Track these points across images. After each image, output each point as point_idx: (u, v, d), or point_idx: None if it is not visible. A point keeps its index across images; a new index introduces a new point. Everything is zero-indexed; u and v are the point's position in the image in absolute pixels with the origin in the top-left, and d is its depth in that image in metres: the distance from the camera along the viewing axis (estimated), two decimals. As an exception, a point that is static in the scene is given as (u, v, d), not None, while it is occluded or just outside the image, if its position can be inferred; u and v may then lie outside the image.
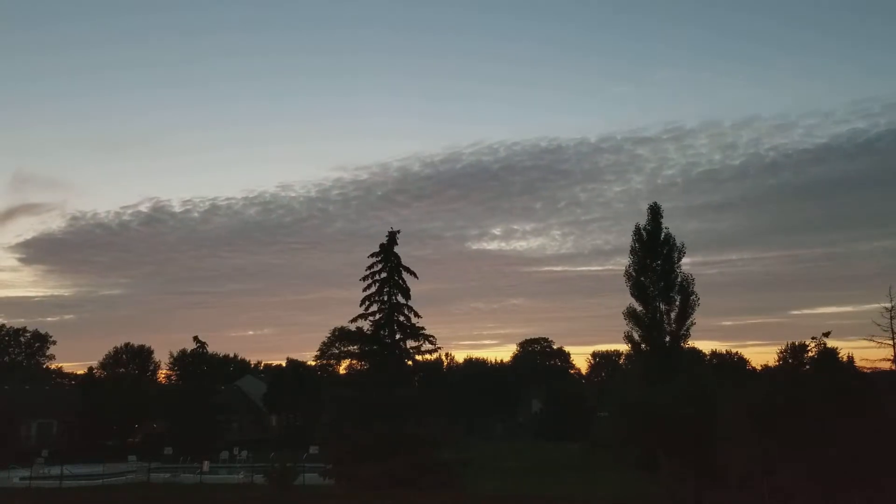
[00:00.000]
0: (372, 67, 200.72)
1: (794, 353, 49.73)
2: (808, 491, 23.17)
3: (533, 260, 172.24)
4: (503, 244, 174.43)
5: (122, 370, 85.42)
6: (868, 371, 26.26)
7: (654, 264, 43.47)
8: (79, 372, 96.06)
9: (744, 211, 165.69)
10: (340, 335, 75.76)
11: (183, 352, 66.96)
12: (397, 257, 38.26)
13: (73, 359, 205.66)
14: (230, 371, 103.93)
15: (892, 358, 24.66)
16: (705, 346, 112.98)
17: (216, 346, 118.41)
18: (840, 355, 27.64)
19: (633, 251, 44.19)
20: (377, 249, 38.23)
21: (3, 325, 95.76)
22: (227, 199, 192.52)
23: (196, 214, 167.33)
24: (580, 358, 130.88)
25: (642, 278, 43.32)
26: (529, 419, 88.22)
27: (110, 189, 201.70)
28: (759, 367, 74.85)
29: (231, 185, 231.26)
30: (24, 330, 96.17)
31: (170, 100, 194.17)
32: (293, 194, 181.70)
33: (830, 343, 27.08)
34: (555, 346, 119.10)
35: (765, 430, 24.32)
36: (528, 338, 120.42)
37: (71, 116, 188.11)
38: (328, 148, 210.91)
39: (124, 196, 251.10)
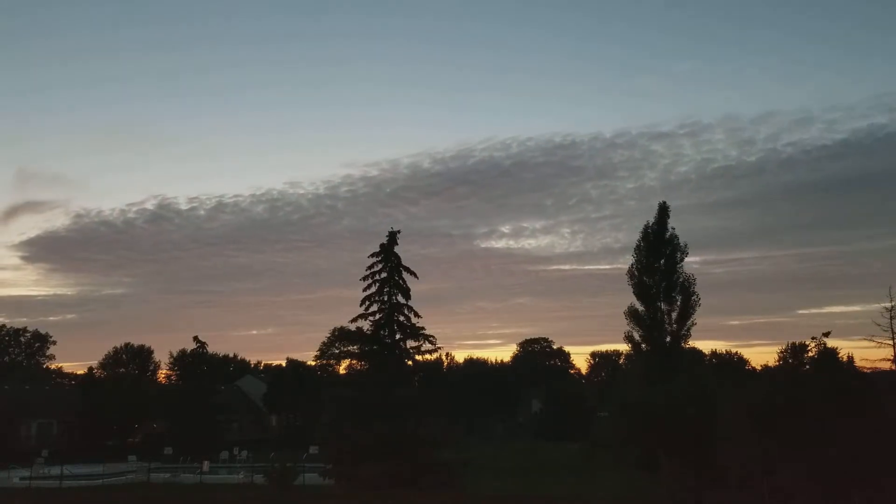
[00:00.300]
0: (384, 63, 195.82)
1: (794, 353, 49.83)
2: (808, 491, 23.15)
3: (541, 258, 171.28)
4: (511, 242, 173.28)
5: (122, 370, 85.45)
6: (868, 371, 26.30)
7: (657, 264, 43.50)
8: (79, 372, 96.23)
9: (757, 208, 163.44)
10: (340, 335, 75.80)
11: (183, 352, 67.06)
12: (397, 257, 38.26)
13: (74, 359, 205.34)
14: (230, 371, 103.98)
15: (892, 358, 24.66)
16: (712, 345, 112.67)
17: (219, 346, 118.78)
18: (840, 355, 27.73)
19: (637, 250, 44.24)
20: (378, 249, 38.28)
21: (4, 325, 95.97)
22: (235, 196, 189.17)
23: (202, 212, 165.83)
24: (580, 358, 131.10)
25: (645, 278, 43.37)
26: (529, 419, 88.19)
27: (116, 186, 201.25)
28: (760, 367, 74.87)
29: (239, 182, 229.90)
30: (25, 330, 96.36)
31: (179, 96, 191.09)
32: (301, 191, 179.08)
33: (831, 343, 27.24)
34: (555, 346, 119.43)
35: (765, 430, 24.32)
36: (529, 338, 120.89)
37: (77, 113, 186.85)
38: (339, 145, 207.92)
39: (130, 193, 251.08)
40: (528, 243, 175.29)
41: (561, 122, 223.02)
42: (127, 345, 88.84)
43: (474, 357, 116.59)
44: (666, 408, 29.01)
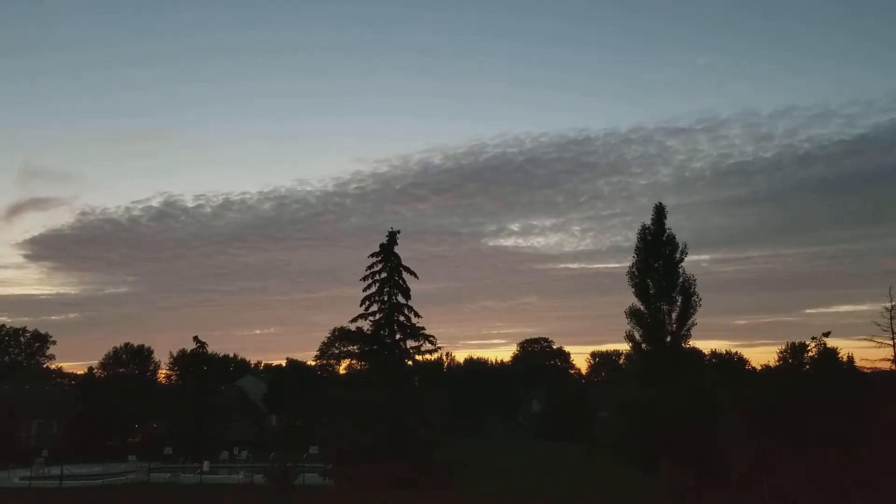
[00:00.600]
0: (397, 58, 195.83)
1: (794, 353, 49.87)
2: (808, 491, 23.15)
3: (549, 257, 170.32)
4: (520, 240, 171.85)
5: (122, 370, 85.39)
6: (868, 371, 26.24)
7: (656, 264, 43.53)
8: (79, 372, 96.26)
9: (770, 205, 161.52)
10: (340, 335, 75.93)
11: (183, 352, 67.08)
12: (397, 257, 38.24)
13: (74, 358, 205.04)
14: (230, 371, 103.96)
15: (892, 358, 24.63)
16: (717, 345, 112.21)
17: (222, 346, 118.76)
18: (841, 355, 27.70)
19: (637, 250, 44.29)
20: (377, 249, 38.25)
21: (4, 325, 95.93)
22: (242, 193, 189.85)
23: (209, 210, 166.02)
24: (580, 358, 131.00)
25: (644, 278, 43.39)
26: (529, 419, 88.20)
27: (122, 183, 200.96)
28: (760, 367, 74.86)
29: (246, 179, 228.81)
30: (24, 330, 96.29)
31: (186, 93, 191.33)
32: (309, 188, 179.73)
33: (832, 343, 27.17)
34: (555, 346, 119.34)
35: (765, 430, 24.32)
36: (529, 338, 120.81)
37: (83, 110, 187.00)
38: (349, 140, 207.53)
39: (136, 191, 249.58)
40: (537, 241, 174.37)
41: (575, 117, 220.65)
42: (127, 345, 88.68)
43: (476, 357, 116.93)
44: (666, 408, 29.00)
